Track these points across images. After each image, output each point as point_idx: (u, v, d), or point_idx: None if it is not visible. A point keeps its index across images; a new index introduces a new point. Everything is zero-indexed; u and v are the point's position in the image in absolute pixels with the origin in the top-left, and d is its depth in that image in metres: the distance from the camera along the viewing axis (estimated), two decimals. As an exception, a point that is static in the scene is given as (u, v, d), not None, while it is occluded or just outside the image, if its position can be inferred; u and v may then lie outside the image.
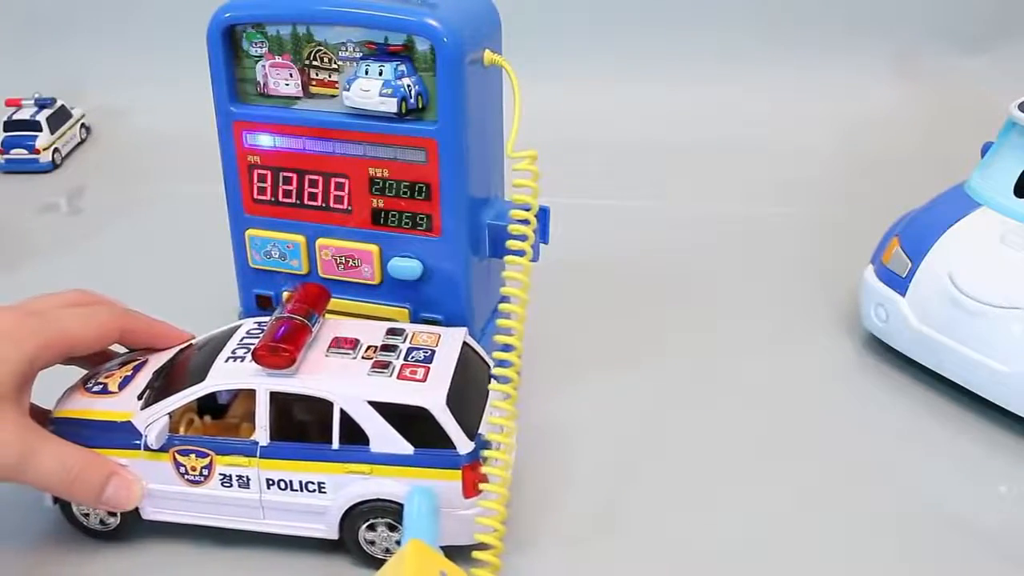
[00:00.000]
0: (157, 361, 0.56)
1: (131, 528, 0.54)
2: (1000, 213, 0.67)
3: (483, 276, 0.61)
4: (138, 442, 0.51)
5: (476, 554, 0.49)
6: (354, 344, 0.53)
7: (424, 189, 0.56)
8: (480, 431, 0.51)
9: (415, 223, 0.57)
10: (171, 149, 1.08)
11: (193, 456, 0.51)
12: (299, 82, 0.57)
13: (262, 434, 0.50)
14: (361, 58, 0.55)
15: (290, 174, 0.58)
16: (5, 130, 1.07)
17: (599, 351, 0.72)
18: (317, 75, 0.56)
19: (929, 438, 0.64)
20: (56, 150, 1.08)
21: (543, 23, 1.15)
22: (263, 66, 0.57)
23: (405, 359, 0.52)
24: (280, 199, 0.59)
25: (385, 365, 0.51)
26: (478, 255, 0.60)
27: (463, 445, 0.49)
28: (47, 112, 1.09)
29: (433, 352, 0.52)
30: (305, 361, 0.51)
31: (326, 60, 0.56)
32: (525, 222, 0.54)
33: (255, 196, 0.59)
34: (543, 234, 0.59)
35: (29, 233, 0.94)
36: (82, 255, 0.89)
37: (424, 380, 0.50)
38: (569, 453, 0.61)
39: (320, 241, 0.59)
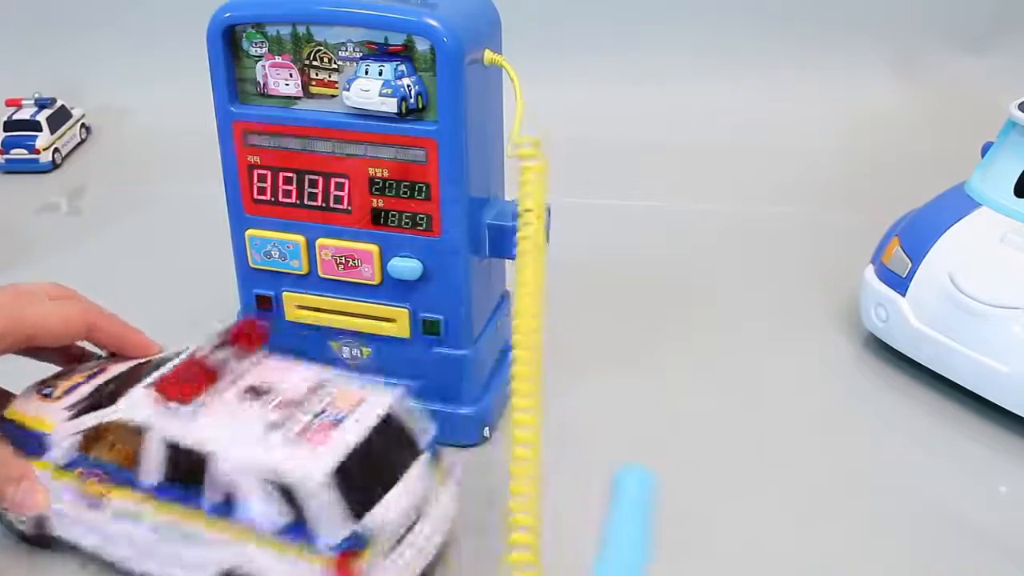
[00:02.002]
0: (110, 373, 0.54)
1: (56, 541, 0.52)
2: (1000, 213, 0.67)
3: (483, 276, 0.61)
4: (50, 455, 0.50)
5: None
6: (268, 392, 0.48)
7: (424, 189, 0.56)
8: (376, 513, 0.44)
9: (415, 223, 0.57)
10: (171, 149, 1.08)
11: (94, 481, 0.49)
12: (299, 82, 0.57)
13: (151, 473, 0.47)
14: (361, 58, 0.55)
15: (290, 174, 0.58)
16: (5, 130, 1.07)
17: (598, 351, 0.72)
18: (317, 75, 0.56)
19: (929, 438, 0.64)
20: (56, 150, 1.08)
21: (543, 23, 1.15)
22: (263, 66, 0.57)
23: (314, 417, 0.46)
24: (280, 199, 0.59)
25: (284, 423, 0.46)
26: (478, 255, 0.60)
27: (335, 529, 0.43)
28: (47, 112, 1.09)
29: (346, 415, 0.47)
30: (208, 404, 0.47)
31: (326, 60, 0.56)
32: (532, 152, 0.52)
33: (255, 196, 0.59)
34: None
35: (29, 233, 0.94)
36: (82, 255, 0.90)
37: (319, 446, 0.45)
38: (568, 453, 0.61)
39: (320, 241, 0.59)
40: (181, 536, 0.47)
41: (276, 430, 0.45)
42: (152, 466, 0.47)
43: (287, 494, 0.44)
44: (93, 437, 0.50)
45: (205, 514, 0.46)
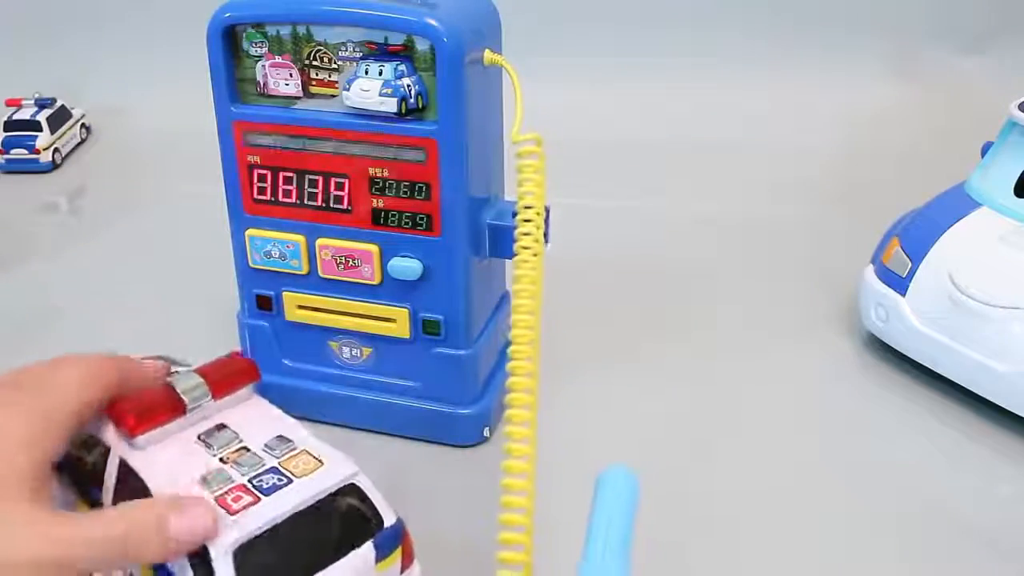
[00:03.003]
0: None
1: None
2: (1000, 213, 0.67)
3: (483, 276, 0.61)
4: None
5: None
6: (224, 439, 0.44)
7: (424, 189, 0.56)
8: None
9: (415, 223, 0.57)
10: (171, 149, 1.08)
11: (72, 493, 0.44)
12: (299, 82, 0.57)
13: (108, 492, 0.43)
14: (361, 58, 0.55)
15: (290, 174, 0.58)
16: (5, 130, 1.07)
17: (598, 351, 0.72)
18: (317, 75, 0.56)
19: (929, 438, 0.64)
20: (56, 150, 1.08)
21: (543, 23, 1.15)
22: (263, 66, 0.57)
23: (250, 478, 0.42)
24: (280, 199, 0.59)
25: (216, 478, 0.41)
26: (478, 255, 0.60)
27: None
28: (47, 112, 1.09)
29: (288, 482, 0.42)
30: (160, 440, 0.43)
31: (326, 60, 0.56)
32: (533, 148, 0.52)
33: (255, 196, 0.59)
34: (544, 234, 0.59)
35: (29, 233, 0.94)
36: (82, 255, 0.90)
37: (236, 512, 0.40)
38: (567, 453, 0.61)
39: (320, 241, 0.59)
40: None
41: (204, 486, 0.41)
42: (110, 484, 0.43)
43: (192, 559, 0.39)
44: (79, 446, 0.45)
45: None
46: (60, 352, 0.72)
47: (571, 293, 0.77)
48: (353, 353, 0.62)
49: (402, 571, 0.45)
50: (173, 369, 0.46)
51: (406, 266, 0.58)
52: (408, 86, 0.54)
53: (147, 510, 0.40)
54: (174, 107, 1.04)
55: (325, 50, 0.55)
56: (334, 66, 0.56)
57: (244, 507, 0.40)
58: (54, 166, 1.08)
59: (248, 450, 0.43)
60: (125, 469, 0.42)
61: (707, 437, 0.64)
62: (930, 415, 0.65)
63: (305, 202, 0.58)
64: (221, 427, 0.44)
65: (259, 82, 0.57)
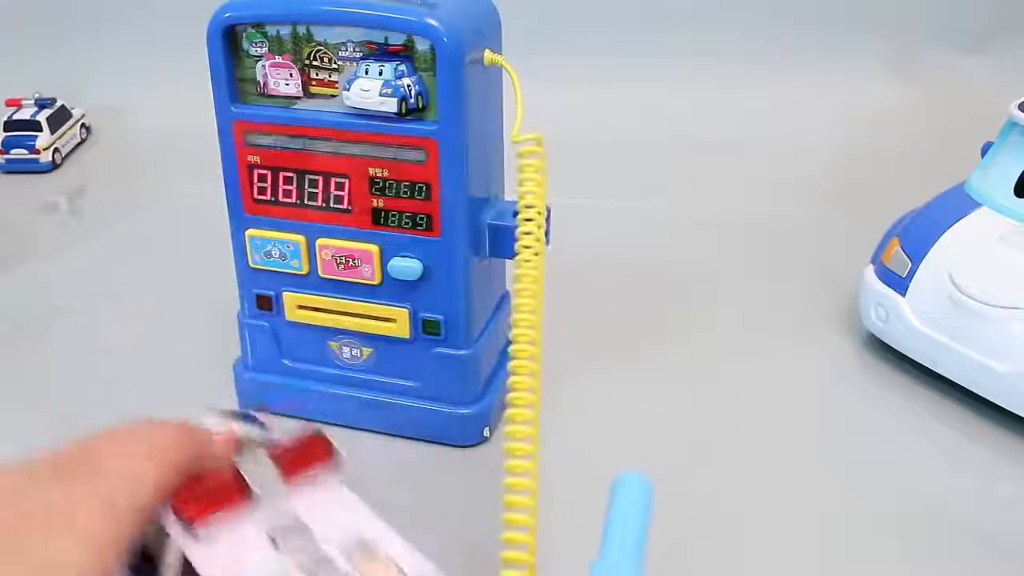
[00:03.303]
0: None
1: None
2: (1000, 213, 0.67)
3: (483, 276, 0.61)
4: None
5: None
6: (294, 539, 0.38)
7: (424, 189, 0.56)
8: None
9: (415, 223, 0.57)
10: (171, 149, 1.08)
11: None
12: (299, 82, 0.57)
13: None
14: (361, 58, 0.55)
15: (290, 174, 0.58)
16: (5, 130, 1.07)
17: (598, 351, 0.72)
18: (317, 75, 0.56)
19: (929, 438, 0.64)
20: (56, 150, 1.08)
21: (543, 23, 1.15)
22: (263, 66, 0.57)
23: None
24: (280, 199, 0.59)
25: None
26: (478, 255, 0.60)
27: None
28: (47, 112, 1.09)
29: None
30: (220, 533, 0.37)
31: (326, 60, 0.56)
32: (534, 148, 0.52)
33: (255, 196, 0.59)
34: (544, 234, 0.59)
35: (29, 233, 0.94)
36: (82, 255, 0.90)
37: None
38: (567, 453, 0.61)
39: (320, 241, 0.59)
40: None
41: None
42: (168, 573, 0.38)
43: None
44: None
45: None
46: (60, 353, 0.73)
47: (571, 293, 0.77)
48: (353, 353, 0.62)
49: None
50: (242, 436, 0.40)
51: (406, 266, 0.58)
52: (408, 86, 0.54)
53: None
54: (174, 107, 1.04)
55: (325, 50, 0.55)
56: (334, 66, 0.56)
57: None
58: (54, 166, 1.08)
59: (319, 557, 0.37)
60: (187, 564, 0.37)
61: (707, 437, 0.64)
62: (930, 415, 0.65)
63: (305, 202, 0.58)
64: (287, 526, 0.39)
65: (259, 82, 0.57)
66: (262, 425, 0.41)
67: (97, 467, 0.31)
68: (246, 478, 0.38)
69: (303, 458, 0.40)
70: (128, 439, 0.33)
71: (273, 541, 0.38)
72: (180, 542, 0.37)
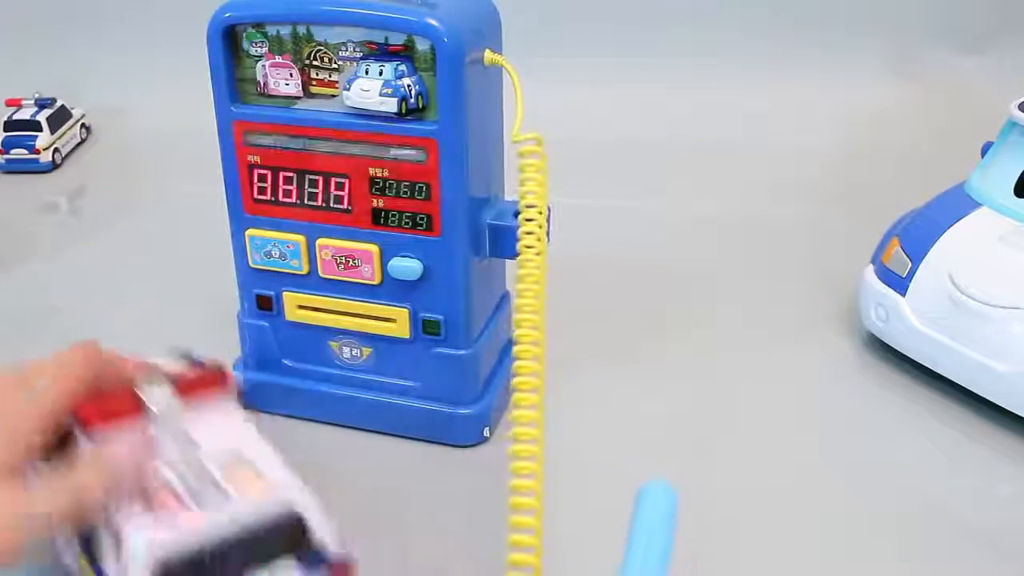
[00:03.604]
0: None
1: None
2: (1000, 213, 0.67)
3: (483, 276, 0.61)
4: None
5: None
6: (177, 446, 0.43)
7: (424, 189, 0.56)
8: None
9: (415, 223, 0.57)
10: (171, 149, 1.08)
11: None
12: (299, 82, 0.57)
13: None
14: (361, 58, 0.55)
15: (290, 174, 0.58)
16: (5, 130, 1.07)
17: (598, 351, 0.72)
18: (317, 75, 0.56)
19: (929, 438, 0.64)
20: (56, 150, 1.08)
21: (543, 23, 1.15)
22: (263, 66, 0.57)
23: (188, 487, 0.41)
24: (280, 199, 0.59)
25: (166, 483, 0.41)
26: (478, 255, 0.60)
27: None
28: (47, 112, 1.09)
29: (225, 499, 0.41)
30: (114, 438, 0.43)
31: (326, 60, 0.56)
32: (535, 148, 0.52)
33: (255, 196, 0.59)
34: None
35: (29, 233, 0.94)
36: (82, 255, 0.90)
37: (169, 525, 0.39)
38: (567, 452, 0.61)
39: (320, 241, 0.59)
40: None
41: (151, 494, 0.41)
42: None
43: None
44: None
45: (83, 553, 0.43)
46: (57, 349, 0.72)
47: (571, 293, 0.77)
48: (353, 353, 0.62)
49: None
50: (155, 364, 0.47)
51: (406, 266, 0.58)
52: (408, 86, 0.54)
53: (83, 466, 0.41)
54: (174, 107, 1.04)
55: (325, 50, 0.55)
56: (334, 66, 0.56)
57: (172, 520, 0.40)
58: (54, 166, 1.08)
59: (197, 460, 0.43)
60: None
61: (707, 436, 0.64)
62: (930, 415, 0.65)
63: (305, 202, 0.58)
64: (180, 434, 0.44)
65: (259, 82, 0.57)
66: (201, 365, 0.48)
67: (21, 379, 0.43)
68: (143, 397, 0.44)
69: (200, 383, 0.46)
70: (45, 360, 0.44)
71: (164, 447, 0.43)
72: (80, 443, 0.43)
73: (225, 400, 0.47)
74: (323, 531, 0.43)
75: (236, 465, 0.43)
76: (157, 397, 0.45)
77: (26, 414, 0.42)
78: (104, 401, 0.44)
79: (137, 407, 0.44)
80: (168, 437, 0.44)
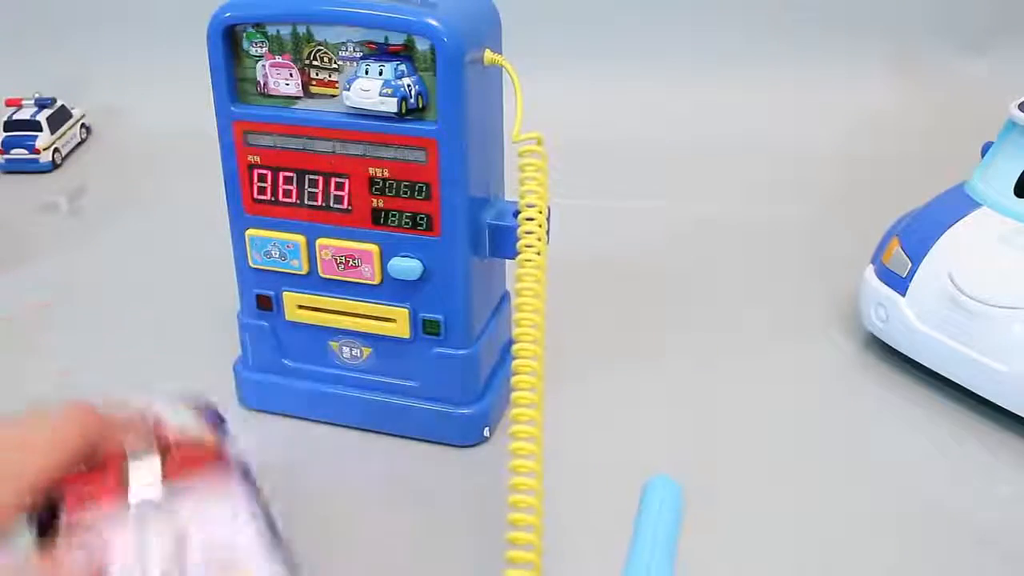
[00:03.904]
0: None
1: None
2: (1000, 213, 0.67)
3: (483, 276, 0.61)
4: None
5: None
6: (161, 545, 0.37)
7: (424, 189, 0.56)
8: None
9: (415, 223, 0.57)
10: (171, 149, 1.08)
11: None
12: (299, 82, 0.57)
13: None
14: (361, 58, 0.55)
15: (290, 174, 0.58)
16: (5, 130, 1.07)
17: (598, 351, 0.72)
18: (317, 75, 0.56)
19: (929, 438, 0.64)
20: (56, 150, 1.08)
21: (543, 23, 1.15)
22: (263, 66, 0.57)
23: None
24: (280, 199, 0.59)
25: None
26: (478, 255, 0.60)
27: None
28: (47, 112, 1.09)
29: None
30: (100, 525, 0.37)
31: (326, 60, 0.56)
32: (535, 148, 0.52)
33: (255, 196, 0.59)
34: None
35: (29, 233, 0.94)
36: (82, 255, 0.90)
37: None
38: (567, 452, 0.61)
39: (320, 241, 0.59)
40: None
41: None
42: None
43: None
44: None
45: None
46: (59, 352, 0.73)
47: (571, 293, 0.77)
48: (353, 353, 0.62)
49: None
50: (152, 422, 0.40)
51: (406, 266, 0.58)
52: (408, 86, 0.54)
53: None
54: (174, 107, 1.04)
55: (325, 50, 0.55)
56: (334, 66, 0.56)
57: None
58: (54, 166, 1.08)
59: (176, 564, 0.36)
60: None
61: (707, 436, 0.64)
62: (930, 415, 0.65)
63: (305, 202, 0.58)
64: (164, 525, 0.38)
65: (259, 82, 0.57)
66: (218, 426, 0.41)
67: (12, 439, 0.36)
68: (128, 478, 0.38)
69: (198, 456, 0.39)
70: (40, 419, 0.37)
71: (140, 545, 0.37)
72: (62, 518, 0.37)
73: (226, 475, 0.40)
74: None
75: (224, 570, 0.37)
76: (143, 477, 0.38)
77: (9, 483, 0.35)
78: (86, 479, 0.38)
79: (118, 490, 0.38)
80: (149, 530, 0.37)
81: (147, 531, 0.37)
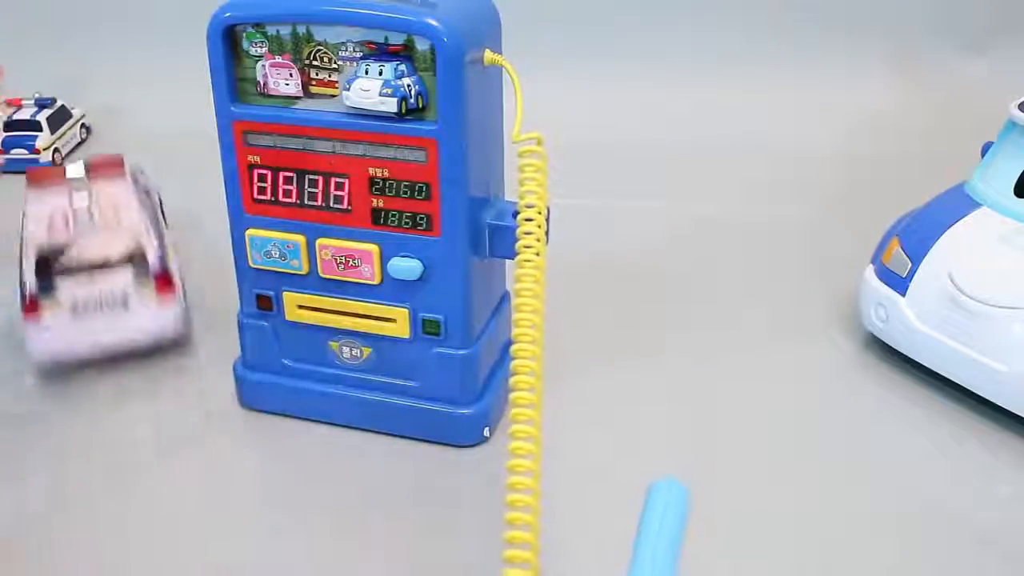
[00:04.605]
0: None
1: None
2: (1000, 213, 0.67)
3: (483, 276, 0.61)
4: None
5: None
6: (78, 196, 0.72)
7: (424, 189, 0.56)
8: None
9: (415, 223, 0.57)
10: (171, 149, 1.08)
11: None
12: (299, 82, 0.57)
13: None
14: (361, 58, 0.55)
15: (290, 174, 0.58)
16: (5, 130, 1.07)
17: (598, 351, 0.72)
18: (317, 75, 0.56)
19: (929, 438, 0.64)
20: (56, 150, 1.08)
21: (543, 23, 1.15)
22: (263, 66, 0.57)
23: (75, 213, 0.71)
24: (280, 199, 0.59)
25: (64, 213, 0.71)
26: (478, 255, 0.60)
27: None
28: (47, 112, 1.09)
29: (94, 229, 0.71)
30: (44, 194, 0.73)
31: (326, 60, 0.56)
32: (535, 148, 0.53)
33: (255, 196, 0.59)
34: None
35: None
36: (82, 255, 0.89)
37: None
38: (566, 452, 0.61)
39: (320, 241, 0.59)
40: None
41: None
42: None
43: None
44: None
45: None
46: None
47: (570, 293, 0.77)
48: (353, 353, 0.62)
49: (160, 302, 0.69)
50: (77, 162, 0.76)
51: (406, 266, 0.58)
52: (408, 86, 0.54)
53: None
54: (174, 107, 1.04)
55: (325, 50, 0.55)
56: (334, 66, 0.56)
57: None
58: (54, 166, 1.08)
59: (86, 207, 0.71)
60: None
61: (707, 436, 0.64)
62: (930, 415, 0.65)
63: (305, 202, 0.58)
64: (88, 191, 0.72)
65: (259, 82, 0.57)
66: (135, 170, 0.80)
67: None
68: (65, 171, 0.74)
69: (102, 167, 0.75)
70: None
71: (68, 196, 0.72)
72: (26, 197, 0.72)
73: (120, 177, 0.74)
74: (154, 257, 0.69)
75: (111, 213, 0.71)
76: (73, 171, 0.74)
77: None
78: (42, 171, 0.75)
79: (61, 175, 0.73)
80: (79, 194, 0.72)
81: (74, 192, 0.72)
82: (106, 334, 0.68)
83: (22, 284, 0.67)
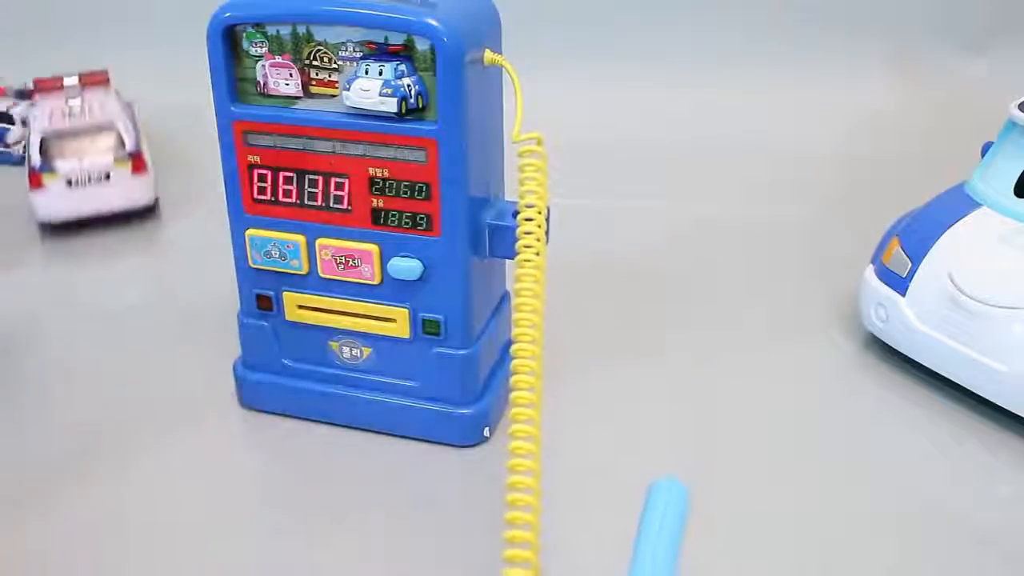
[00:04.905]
0: None
1: None
2: (1000, 213, 0.67)
3: (483, 276, 0.61)
4: None
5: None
6: (74, 101, 0.94)
7: (424, 189, 0.56)
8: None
9: (415, 223, 0.57)
10: (171, 148, 1.08)
11: None
12: (299, 82, 0.57)
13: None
14: (361, 58, 0.55)
15: (290, 174, 0.58)
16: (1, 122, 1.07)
17: (598, 351, 0.72)
18: (317, 75, 0.56)
19: (929, 438, 0.64)
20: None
21: (543, 23, 1.15)
22: (263, 66, 0.57)
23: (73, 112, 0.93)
24: (280, 199, 0.59)
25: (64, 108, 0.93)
26: (478, 255, 0.60)
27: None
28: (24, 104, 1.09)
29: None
30: (46, 99, 0.96)
31: (326, 60, 0.56)
32: (535, 148, 0.53)
33: (255, 196, 0.59)
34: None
35: (29, 232, 0.94)
36: (82, 255, 0.90)
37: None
38: (566, 452, 0.61)
39: (320, 241, 0.59)
40: None
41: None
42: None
43: None
44: None
45: None
46: (57, 352, 0.73)
47: (571, 293, 0.77)
48: (353, 353, 0.62)
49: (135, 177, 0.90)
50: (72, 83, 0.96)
51: (406, 266, 0.58)
52: (408, 86, 0.54)
53: None
54: (174, 107, 1.04)
55: (325, 50, 0.55)
56: (334, 66, 0.56)
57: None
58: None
59: (79, 106, 0.92)
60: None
61: (707, 436, 0.64)
62: (930, 415, 0.65)
63: (305, 202, 0.58)
64: (80, 96, 0.94)
65: (259, 82, 0.57)
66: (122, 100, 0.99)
67: None
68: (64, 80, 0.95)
69: (92, 79, 0.96)
70: None
71: (66, 99, 0.94)
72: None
73: (105, 85, 0.96)
74: (130, 141, 0.90)
75: (98, 109, 0.92)
76: (69, 81, 0.95)
77: None
78: (44, 79, 0.95)
79: (60, 84, 0.95)
80: (75, 100, 0.93)
81: (69, 95, 0.93)
82: (94, 200, 0.88)
83: (29, 163, 0.87)
